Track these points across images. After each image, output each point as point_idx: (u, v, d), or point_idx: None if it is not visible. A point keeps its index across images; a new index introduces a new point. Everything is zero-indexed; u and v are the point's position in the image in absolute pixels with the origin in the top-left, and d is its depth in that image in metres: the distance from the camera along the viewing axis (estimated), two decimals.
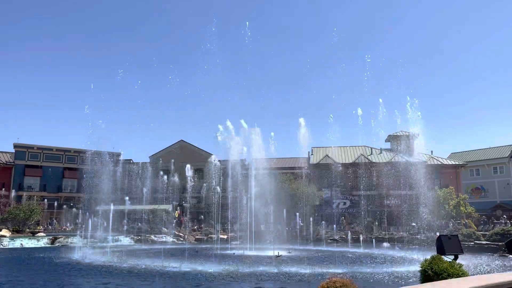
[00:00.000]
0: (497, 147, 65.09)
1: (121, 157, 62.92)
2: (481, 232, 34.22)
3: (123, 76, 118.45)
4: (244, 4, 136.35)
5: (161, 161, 61.28)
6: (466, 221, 39.93)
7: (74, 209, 54.96)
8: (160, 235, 41.14)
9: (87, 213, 41.39)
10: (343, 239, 38.91)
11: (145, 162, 63.39)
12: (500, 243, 28.68)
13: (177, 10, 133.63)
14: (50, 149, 60.61)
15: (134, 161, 66.34)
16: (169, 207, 49.02)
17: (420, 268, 8.58)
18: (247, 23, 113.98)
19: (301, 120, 37.71)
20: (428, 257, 8.67)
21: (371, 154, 56.80)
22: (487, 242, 30.82)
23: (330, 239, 38.92)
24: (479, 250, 28.99)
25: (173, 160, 60.18)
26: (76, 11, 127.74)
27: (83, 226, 38.24)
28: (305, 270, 17.71)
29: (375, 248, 31.64)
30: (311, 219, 41.47)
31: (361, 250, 30.20)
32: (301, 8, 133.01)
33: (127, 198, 47.27)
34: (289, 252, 26.88)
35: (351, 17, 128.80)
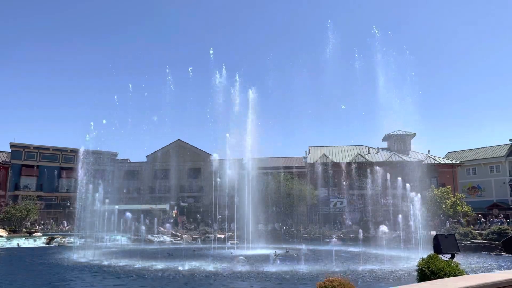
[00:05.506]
0: (494, 146, 65.31)
1: (118, 157, 62.89)
2: (477, 231, 34.29)
3: (120, 76, 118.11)
4: (245, 4, 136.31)
5: (158, 161, 61.13)
6: (462, 220, 40.01)
7: (70, 209, 54.76)
8: (158, 235, 41.10)
9: (84, 213, 41.23)
10: (340, 238, 38.87)
11: (142, 162, 63.30)
12: (496, 242, 28.81)
13: (177, 12, 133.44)
14: (47, 148, 60.38)
15: (131, 161, 66.21)
16: (166, 207, 48.93)
17: (417, 267, 8.60)
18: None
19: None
20: (425, 256, 8.70)
21: (368, 153, 56.91)
22: (483, 241, 30.88)
23: (327, 238, 38.95)
24: (476, 249, 29.09)
25: (170, 160, 60.05)
26: (76, 11, 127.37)
27: (80, 225, 38.15)
28: (303, 269, 17.73)
29: (372, 247, 31.66)
30: (310, 218, 41.48)
31: (358, 249, 30.22)
32: (298, 5, 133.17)
33: (124, 197, 47.20)
34: (287, 252, 26.79)
35: (349, 15, 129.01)
